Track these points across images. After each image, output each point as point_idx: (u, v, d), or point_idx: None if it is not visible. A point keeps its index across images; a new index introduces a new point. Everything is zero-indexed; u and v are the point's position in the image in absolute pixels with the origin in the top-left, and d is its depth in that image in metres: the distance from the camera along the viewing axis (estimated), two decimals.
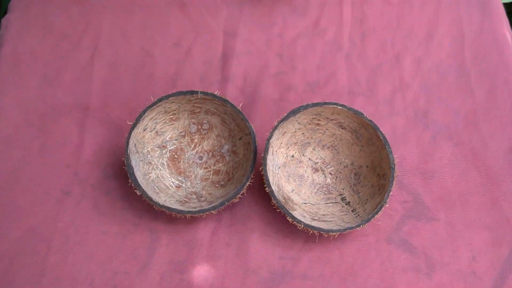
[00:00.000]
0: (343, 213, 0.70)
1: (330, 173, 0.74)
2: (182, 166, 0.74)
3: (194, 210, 0.67)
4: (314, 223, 0.67)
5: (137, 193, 0.67)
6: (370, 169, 0.72)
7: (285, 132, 0.72)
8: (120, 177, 0.74)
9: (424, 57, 0.84)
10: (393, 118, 0.79)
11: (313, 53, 0.85)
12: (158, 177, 0.72)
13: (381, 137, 0.69)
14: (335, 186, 0.74)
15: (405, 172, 0.75)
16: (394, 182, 0.67)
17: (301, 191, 0.73)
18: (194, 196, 0.72)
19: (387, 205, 0.67)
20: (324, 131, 0.74)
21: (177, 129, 0.75)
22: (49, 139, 0.76)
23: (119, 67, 0.82)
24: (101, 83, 0.81)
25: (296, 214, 0.67)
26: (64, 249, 0.69)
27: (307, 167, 0.75)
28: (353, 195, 0.72)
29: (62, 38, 0.84)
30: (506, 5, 1.28)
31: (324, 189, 0.73)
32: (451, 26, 0.87)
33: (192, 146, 0.75)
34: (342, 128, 0.74)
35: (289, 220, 0.66)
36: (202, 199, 0.71)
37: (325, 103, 0.69)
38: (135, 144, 0.70)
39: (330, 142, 0.75)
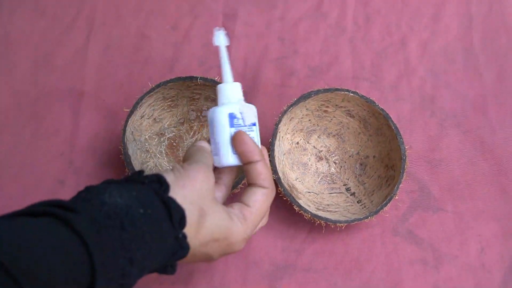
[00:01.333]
0: (348, 204, 0.69)
1: (334, 162, 0.72)
2: (181, 154, 0.72)
3: None
4: (319, 213, 0.65)
5: None
6: (378, 160, 0.70)
7: (292, 117, 0.70)
8: (117, 165, 0.72)
9: (430, 40, 0.82)
10: (399, 104, 0.77)
11: (315, 36, 0.82)
12: (156, 165, 0.70)
13: (392, 127, 0.67)
14: (339, 176, 0.72)
15: (411, 161, 0.73)
16: (404, 173, 0.65)
17: (305, 180, 0.71)
18: None
19: (396, 197, 0.65)
20: (331, 119, 0.72)
21: (176, 116, 0.73)
22: (42, 125, 0.74)
23: (114, 50, 0.80)
24: (96, 67, 0.78)
25: (300, 203, 0.65)
26: None
27: (311, 155, 0.73)
28: (358, 186, 0.70)
29: (55, 20, 0.81)
30: None
31: (328, 178, 0.72)
32: (459, 7, 0.84)
33: (191, 133, 0.73)
34: (350, 116, 0.71)
35: (296, 209, 0.64)
36: None
37: (336, 89, 0.67)
38: (132, 132, 0.68)
39: (336, 130, 0.73)
